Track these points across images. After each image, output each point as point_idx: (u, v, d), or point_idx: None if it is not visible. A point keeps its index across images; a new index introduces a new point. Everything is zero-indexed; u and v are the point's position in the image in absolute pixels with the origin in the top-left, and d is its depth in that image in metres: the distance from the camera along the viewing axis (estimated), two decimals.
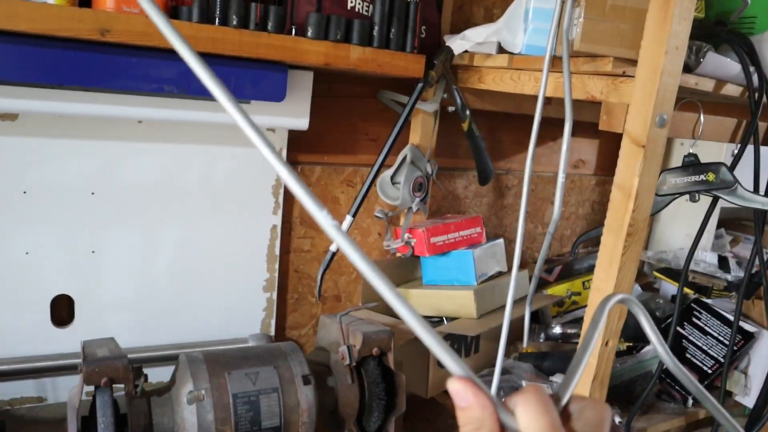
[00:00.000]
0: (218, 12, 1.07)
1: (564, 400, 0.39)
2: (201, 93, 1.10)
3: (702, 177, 1.05)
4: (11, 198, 1.16)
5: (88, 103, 1.10)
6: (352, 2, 1.17)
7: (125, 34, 0.99)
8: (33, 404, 1.26)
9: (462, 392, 0.37)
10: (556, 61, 1.07)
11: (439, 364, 1.32)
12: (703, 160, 1.10)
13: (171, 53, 1.08)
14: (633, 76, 0.96)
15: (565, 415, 0.39)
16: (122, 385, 0.92)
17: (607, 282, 0.99)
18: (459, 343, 1.35)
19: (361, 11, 1.19)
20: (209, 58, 1.09)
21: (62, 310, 1.26)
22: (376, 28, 1.16)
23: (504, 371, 1.38)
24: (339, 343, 1.09)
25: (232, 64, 1.10)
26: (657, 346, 0.44)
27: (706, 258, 1.70)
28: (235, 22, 1.06)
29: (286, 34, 1.11)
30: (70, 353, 1.25)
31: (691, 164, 1.07)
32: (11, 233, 1.17)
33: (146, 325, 1.32)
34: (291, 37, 1.09)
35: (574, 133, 1.89)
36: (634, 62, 0.96)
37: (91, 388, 0.92)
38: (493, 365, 1.46)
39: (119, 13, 1.00)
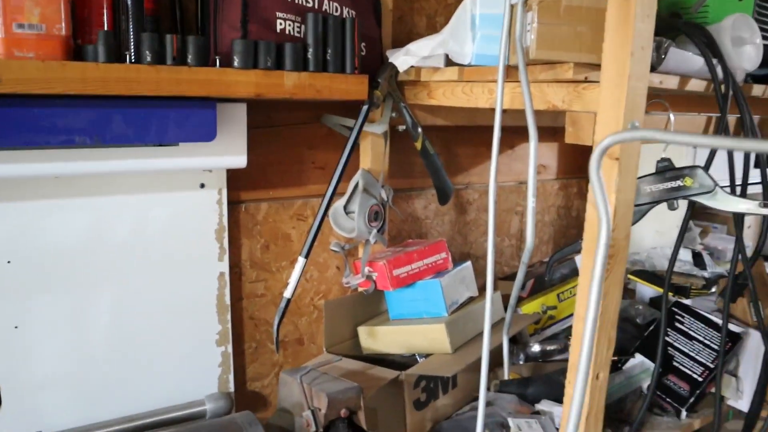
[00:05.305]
0: (129, 49, 0.95)
1: None
2: (120, 141, 0.98)
3: (679, 182, 0.97)
4: None
5: None
6: (281, 24, 1.06)
7: (20, 83, 0.86)
8: None
9: None
10: (510, 71, 0.98)
11: (416, 406, 1.21)
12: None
13: (81, 99, 0.96)
14: (597, 82, 0.87)
15: None
16: None
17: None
18: (435, 382, 1.24)
19: (292, 33, 1.07)
20: (125, 101, 0.96)
21: None
22: (311, 50, 1.05)
23: (486, 404, 1.28)
24: (302, 406, 0.97)
25: (151, 104, 0.98)
26: None
27: (680, 256, 1.63)
28: (149, 59, 0.94)
29: (210, 66, 0.99)
30: None
31: (666, 169, 0.99)
32: None
33: (87, 400, 1.17)
34: (215, 69, 0.98)
35: None
36: (596, 66, 0.88)
37: None
38: (474, 399, 1.36)
39: (10, 60, 0.87)
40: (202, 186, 1.22)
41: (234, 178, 1.26)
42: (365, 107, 1.15)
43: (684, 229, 1.10)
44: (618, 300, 0.91)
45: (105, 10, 1.02)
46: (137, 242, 1.17)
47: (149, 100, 0.98)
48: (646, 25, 0.81)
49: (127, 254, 1.17)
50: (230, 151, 1.14)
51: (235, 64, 0.99)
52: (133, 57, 0.96)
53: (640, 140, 0.74)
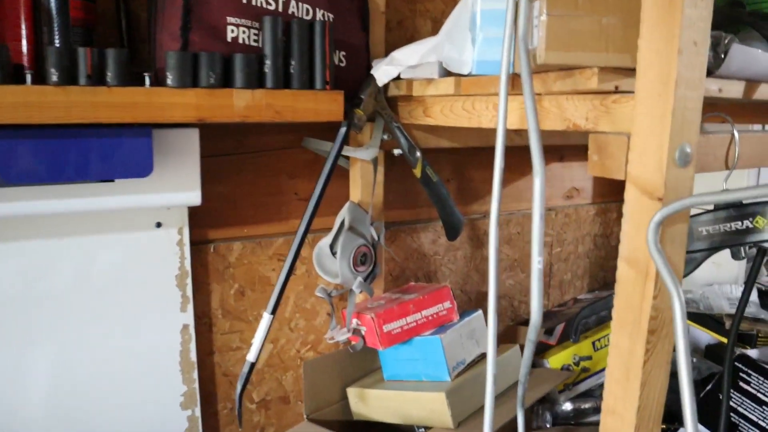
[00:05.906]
0: (30, 66, 0.77)
1: None
2: (28, 179, 0.79)
3: (747, 223, 0.73)
4: None
5: None
6: (233, 31, 0.85)
7: None
8: None
9: None
10: (518, 80, 0.76)
11: None
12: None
13: None
14: (631, 92, 0.64)
15: None
16: None
17: (625, 402, 0.65)
18: None
19: (248, 42, 0.87)
20: (35, 132, 0.77)
21: None
22: (269, 62, 0.85)
23: None
24: None
25: (67, 134, 0.79)
26: None
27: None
28: (55, 78, 0.74)
29: (138, 85, 0.79)
30: None
31: (729, 206, 0.75)
32: None
33: None
34: (142, 89, 0.78)
35: (564, 158, 1.59)
36: (631, 71, 0.65)
37: None
38: None
39: None
40: (159, 225, 1.02)
41: (199, 214, 1.07)
42: (342, 129, 0.94)
43: (754, 279, 0.86)
44: (664, 387, 0.67)
45: (23, 22, 0.84)
46: (81, 292, 0.99)
47: (66, 129, 0.79)
48: (699, 11, 0.57)
49: (70, 306, 0.98)
50: (179, 186, 0.94)
51: (169, 81, 0.79)
52: (32, 76, 0.76)
53: (707, 204, 0.53)
